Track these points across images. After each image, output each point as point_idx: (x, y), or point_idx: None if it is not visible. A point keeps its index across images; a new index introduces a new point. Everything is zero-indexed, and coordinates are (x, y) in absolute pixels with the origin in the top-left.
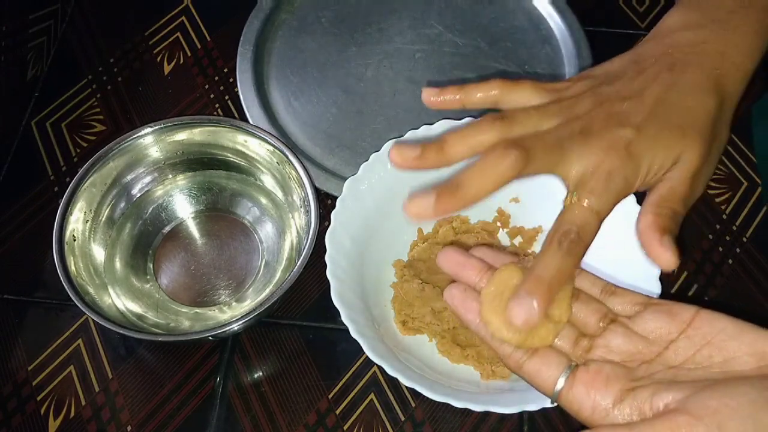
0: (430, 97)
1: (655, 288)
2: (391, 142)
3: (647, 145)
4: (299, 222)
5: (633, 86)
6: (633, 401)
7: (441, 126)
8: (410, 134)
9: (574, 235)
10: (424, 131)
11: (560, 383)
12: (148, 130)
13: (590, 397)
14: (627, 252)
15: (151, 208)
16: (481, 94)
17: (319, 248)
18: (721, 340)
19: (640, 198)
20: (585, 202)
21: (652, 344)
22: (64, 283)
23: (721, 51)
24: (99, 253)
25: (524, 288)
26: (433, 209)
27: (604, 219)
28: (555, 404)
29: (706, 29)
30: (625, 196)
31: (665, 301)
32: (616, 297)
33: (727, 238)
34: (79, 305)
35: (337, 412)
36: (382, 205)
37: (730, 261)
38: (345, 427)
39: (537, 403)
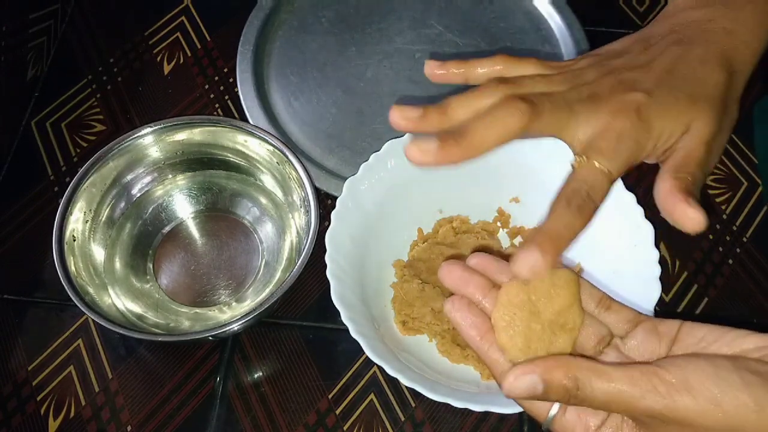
0: (434, 69)
1: (655, 289)
2: (391, 141)
3: (658, 111)
4: (299, 222)
5: (640, 59)
6: (615, 416)
7: None
8: (410, 134)
9: (584, 193)
10: None
11: (555, 409)
12: (148, 130)
13: (581, 420)
14: (627, 253)
15: (151, 208)
16: (484, 69)
17: (319, 248)
18: (701, 347)
19: (641, 199)
20: (595, 162)
21: None
22: (64, 283)
23: (728, 29)
24: (99, 253)
25: (533, 241)
26: (435, 155)
27: (614, 181)
28: (548, 430)
29: (712, 8)
30: (635, 161)
31: (652, 319)
32: (610, 313)
33: (727, 238)
34: (79, 305)
35: (337, 412)
36: (382, 205)
37: (730, 261)
38: (345, 427)
39: None
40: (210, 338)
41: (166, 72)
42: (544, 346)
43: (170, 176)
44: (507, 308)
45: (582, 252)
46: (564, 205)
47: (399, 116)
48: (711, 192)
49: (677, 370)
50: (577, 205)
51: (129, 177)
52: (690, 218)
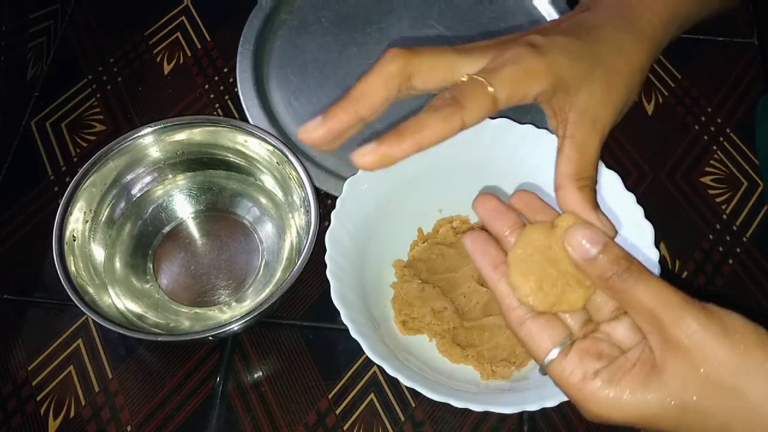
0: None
1: None
2: None
3: (558, 56)
4: (299, 222)
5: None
6: (617, 362)
7: None
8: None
9: (448, 95)
10: None
11: (555, 353)
12: (148, 130)
13: (582, 364)
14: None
15: (151, 208)
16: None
17: (319, 248)
18: None
19: (641, 199)
20: (476, 75)
21: None
22: (64, 283)
23: (631, 2)
24: (99, 253)
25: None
26: (322, 129)
27: (496, 98)
28: (544, 372)
29: None
30: (524, 89)
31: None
32: None
33: (727, 238)
34: (79, 305)
35: (337, 412)
36: (382, 205)
37: (730, 261)
38: (345, 427)
39: (537, 403)
40: (210, 338)
41: (166, 72)
42: (556, 293)
43: (170, 176)
44: (525, 248)
45: None
46: (424, 108)
47: (306, 134)
48: (711, 192)
49: (722, 313)
50: (437, 105)
51: (129, 177)
52: (607, 229)
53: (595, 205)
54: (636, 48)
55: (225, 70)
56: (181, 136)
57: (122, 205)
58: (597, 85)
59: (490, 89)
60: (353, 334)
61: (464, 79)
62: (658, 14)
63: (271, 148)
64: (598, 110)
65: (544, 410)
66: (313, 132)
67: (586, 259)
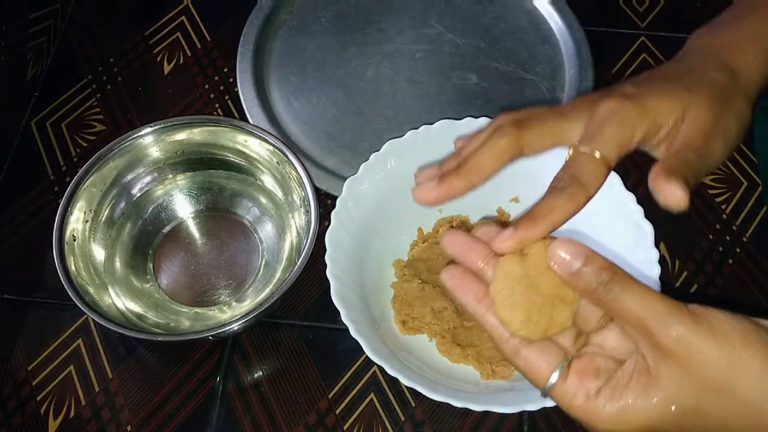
0: (425, 194)
1: (655, 289)
2: (391, 141)
3: (650, 96)
4: (299, 222)
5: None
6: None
7: (441, 126)
8: (410, 134)
9: (567, 176)
10: (424, 131)
11: (554, 377)
12: (148, 130)
13: (583, 385)
14: (627, 254)
15: (151, 208)
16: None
17: (319, 248)
18: None
19: (641, 199)
20: (582, 147)
21: None
22: (64, 283)
23: (724, 43)
24: (99, 253)
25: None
26: (438, 190)
27: (607, 163)
28: (546, 397)
29: (709, 35)
30: (628, 140)
31: None
32: None
33: (727, 238)
34: (79, 305)
35: (337, 412)
36: (382, 205)
37: (730, 261)
38: (345, 427)
39: (537, 403)
40: (210, 338)
41: (166, 72)
42: (546, 319)
43: (170, 176)
44: (505, 282)
45: None
46: (548, 191)
47: (422, 195)
48: (711, 192)
49: (709, 314)
50: (560, 187)
51: (129, 177)
52: (670, 198)
53: (671, 172)
54: (728, 82)
55: (225, 70)
56: (181, 136)
57: (122, 205)
58: (698, 111)
59: (598, 155)
60: (353, 334)
61: (571, 152)
62: (751, 52)
63: (271, 148)
64: (707, 134)
65: (544, 410)
66: (429, 193)
67: (570, 273)
